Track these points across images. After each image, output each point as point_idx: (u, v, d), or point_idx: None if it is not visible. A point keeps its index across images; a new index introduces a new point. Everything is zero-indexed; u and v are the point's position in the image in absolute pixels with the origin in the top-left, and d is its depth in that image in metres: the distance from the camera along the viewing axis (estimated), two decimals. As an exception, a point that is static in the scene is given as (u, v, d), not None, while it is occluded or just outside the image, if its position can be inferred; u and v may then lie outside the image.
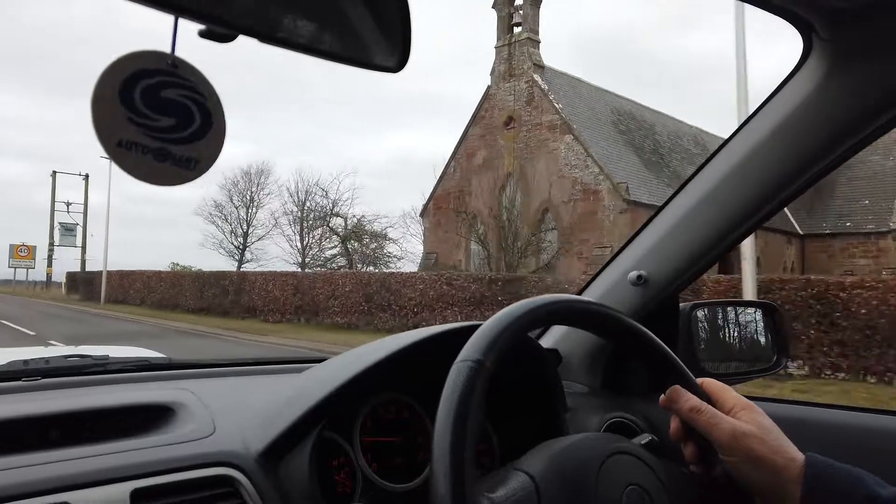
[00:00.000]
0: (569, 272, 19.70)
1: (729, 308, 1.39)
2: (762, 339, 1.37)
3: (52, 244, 46.36)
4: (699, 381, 0.81)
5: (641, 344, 0.81)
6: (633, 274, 1.21)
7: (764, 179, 1.04)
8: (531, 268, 20.78)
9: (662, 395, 0.79)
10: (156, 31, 0.57)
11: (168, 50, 0.56)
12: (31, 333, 14.84)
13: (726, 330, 1.38)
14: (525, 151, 23.30)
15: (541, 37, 23.89)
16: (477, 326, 0.70)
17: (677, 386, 0.78)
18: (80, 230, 46.12)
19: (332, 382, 0.94)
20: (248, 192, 39.04)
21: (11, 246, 46.10)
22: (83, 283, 35.19)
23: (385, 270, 28.59)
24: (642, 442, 0.85)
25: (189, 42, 0.55)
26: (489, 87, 24.89)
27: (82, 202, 45.62)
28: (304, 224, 36.68)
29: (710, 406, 0.76)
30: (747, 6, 0.84)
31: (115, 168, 0.56)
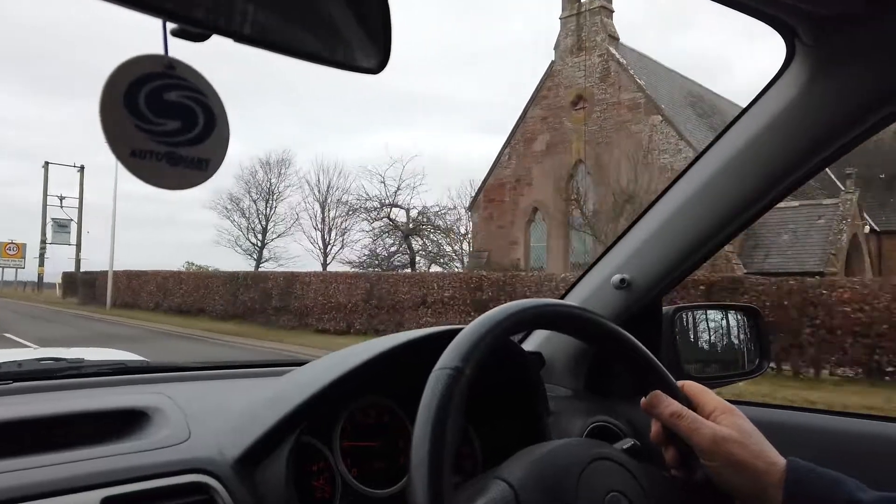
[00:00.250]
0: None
1: (712, 311, 1.40)
2: (744, 343, 1.38)
3: (44, 241, 42.15)
4: (679, 383, 0.81)
5: (623, 348, 0.80)
6: (617, 277, 1.21)
7: (747, 183, 1.04)
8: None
9: (643, 399, 0.78)
10: (147, 28, 0.53)
11: (161, 52, 0.56)
12: (33, 347, 11.87)
13: (709, 333, 1.38)
14: (599, 135, 20.46)
15: (614, 5, 21.11)
16: (459, 330, 0.70)
17: (658, 391, 0.78)
18: (74, 227, 41.91)
19: (311, 386, 0.92)
20: (268, 184, 35.16)
21: (-1, 243, 42.44)
22: (83, 285, 31.29)
23: (458, 270, 24.77)
24: (624, 447, 0.86)
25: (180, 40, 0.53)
26: (552, 63, 22.03)
27: (77, 196, 41.53)
28: (327, 219, 33.41)
29: (690, 411, 0.76)
30: (732, 11, 0.84)
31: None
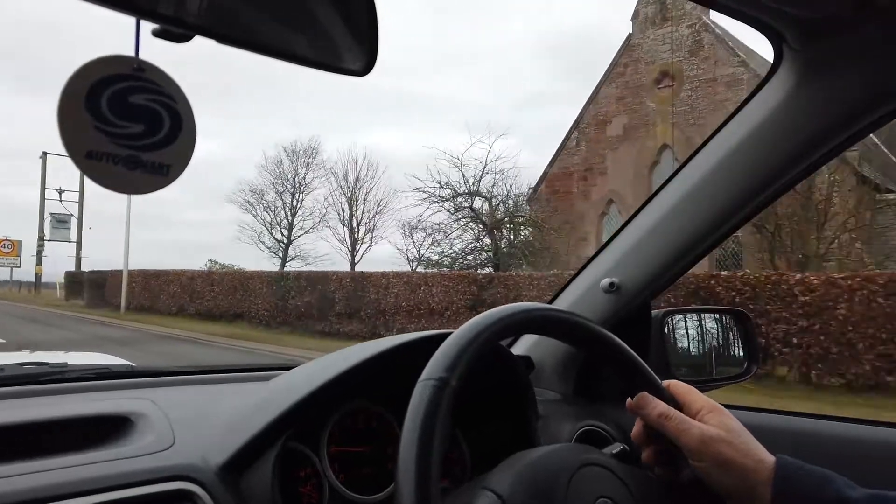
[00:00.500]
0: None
1: (701, 315, 1.40)
2: (733, 346, 1.38)
3: (42, 238, 37.93)
4: (665, 383, 0.81)
5: (611, 351, 0.80)
6: (606, 281, 1.21)
7: (735, 187, 1.05)
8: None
9: (630, 401, 0.79)
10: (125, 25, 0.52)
11: (132, 53, 0.55)
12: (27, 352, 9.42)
13: (698, 337, 1.38)
14: (689, 116, 18.00)
15: None
16: (448, 335, 0.69)
17: (645, 392, 0.78)
18: (74, 222, 37.79)
19: (299, 391, 0.92)
20: (294, 175, 31.25)
21: (-9, 240, 38.05)
22: (90, 286, 27.35)
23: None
24: (613, 451, 0.87)
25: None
26: (630, 37, 19.43)
27: (77, 190, 36.46)
28: (356, 214, 29.81)
29: (678, 412, 0.76)
30: (720, 15, 0.85)
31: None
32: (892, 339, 8.02)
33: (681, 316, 1.34)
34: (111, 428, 0.92)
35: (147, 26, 0.51)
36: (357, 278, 16.16)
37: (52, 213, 37.87)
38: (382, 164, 41.28)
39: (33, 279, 39.50)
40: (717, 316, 1.42)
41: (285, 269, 28.65)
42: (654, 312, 1.26)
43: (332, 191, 31.39)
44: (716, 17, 18.29)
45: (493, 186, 20.79)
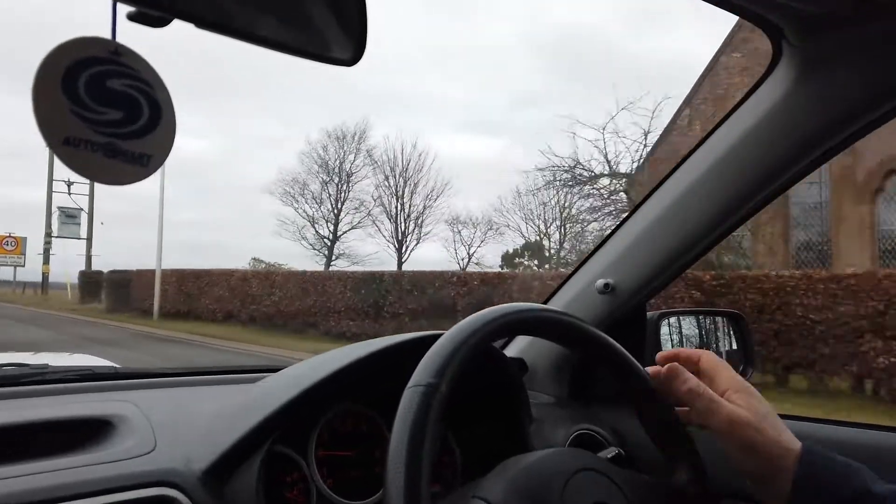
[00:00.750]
0: None
1: (696, 317, 1.40)
2: (728, 349, 1.37)
3: (49, 234, 33.66)
4: (697, 354, 0.79)
5: (605, 353, 0.79)
6: (601, 282, 1.20)
7: (733, 186, 1.03)
8: None
9: (658, 368, 0.77)
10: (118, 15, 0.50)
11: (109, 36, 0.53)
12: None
13: (694, 339, 1.37)
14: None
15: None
16: (439, 336, 0.67)
17: (676, 364, 0.76)
18: (84, 217, 34.12)
19: (286, 393, 0.90)
20: (340, 163, 27.38)
21: (-7, 237, 34.04)
22: (112, 287, 23.27)
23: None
24: (608, 456, 0.88)
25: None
26: (756, -4, 16.84)
27: (88, 182, 33.92)
28: (406, 205, 26.72)
29: (708, 389, 0.74)
30: (717, 10, 0.83)
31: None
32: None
33: (676, 318, 1.33)
34: (91, 431, 0.90)
35: (123, 11, 0.48)
36: (488, 279, 13.37)
37: (59, 207, 34.01)
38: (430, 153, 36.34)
39: (39, 279, 35.16)
40: (712, 318, 1.41)
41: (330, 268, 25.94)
42: (649, 314, 1.25)
43: (382, 181, 27.75)
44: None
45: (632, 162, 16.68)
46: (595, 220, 17.17)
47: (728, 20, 16.01)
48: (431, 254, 44.91)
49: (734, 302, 8.79)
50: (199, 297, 18.51)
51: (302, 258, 29.69)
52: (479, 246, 24.29)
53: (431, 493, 0.58)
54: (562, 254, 20.17)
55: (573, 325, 0.78)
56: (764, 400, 0.74)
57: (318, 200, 28.04)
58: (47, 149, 0.52)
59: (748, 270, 10.85)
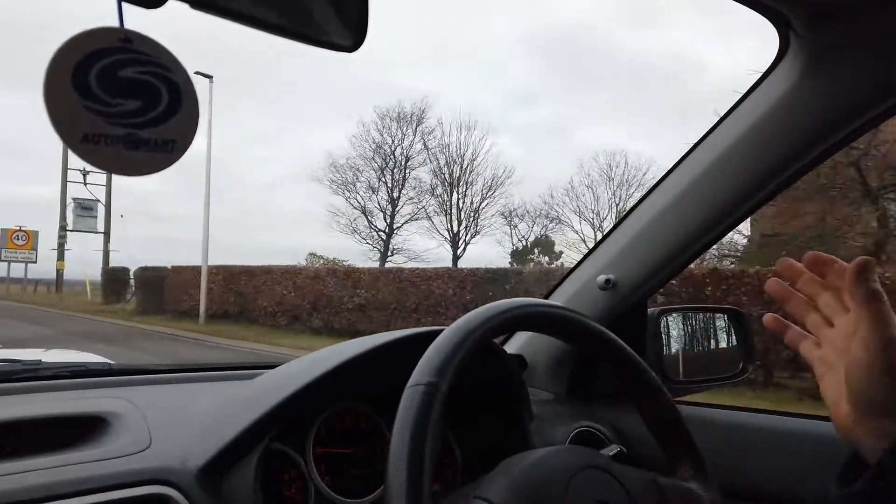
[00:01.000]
0: None
1: (696, 314, 1.39)
2: (728, 346, 1.36)
3: (63, 228, 29.74)
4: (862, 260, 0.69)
5: (607, 348, 0.79)
6: (602, 278, 1.19)
7: (738, 180, 1.02)
8: None
9: (851, 265, 0.66)
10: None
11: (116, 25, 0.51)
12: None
13: (694, 336, 1.36)
14: None
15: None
16: (439, 333, 0.66)
17: (867, 257, 0.66)
18: (101, 209, 29.87)
19: (284, 390, 0.89)
20: (396, 147, 24.03)
21: (3, 231, 30.25)
22: (144, 286, 19.81)
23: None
24: (611, 454, 0.86)
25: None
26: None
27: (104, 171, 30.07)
28: (468, 193, 23.71)
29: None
30: (723, 1, 0.81)
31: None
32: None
33: (676, 314, 1.32)
34: (85, 429, 0.88)
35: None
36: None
37: (74, 199, 29.88)
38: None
39: (53, 276, 31.03)
40: (712, 315, 1.40)
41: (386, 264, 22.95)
42: (649, 310, 1.24)
43: (440, 168, 24.64)
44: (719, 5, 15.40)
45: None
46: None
47: (729, 13, 15.97)
48: (483, 250, 42.11)
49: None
50: (253, 297, 15.82)
51: (357, 254, 26.14)
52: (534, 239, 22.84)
53: (432, 493, 0.58)
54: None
55: (576, 321, 0.77)
56: None
57: (375, 187, 24.87)
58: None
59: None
